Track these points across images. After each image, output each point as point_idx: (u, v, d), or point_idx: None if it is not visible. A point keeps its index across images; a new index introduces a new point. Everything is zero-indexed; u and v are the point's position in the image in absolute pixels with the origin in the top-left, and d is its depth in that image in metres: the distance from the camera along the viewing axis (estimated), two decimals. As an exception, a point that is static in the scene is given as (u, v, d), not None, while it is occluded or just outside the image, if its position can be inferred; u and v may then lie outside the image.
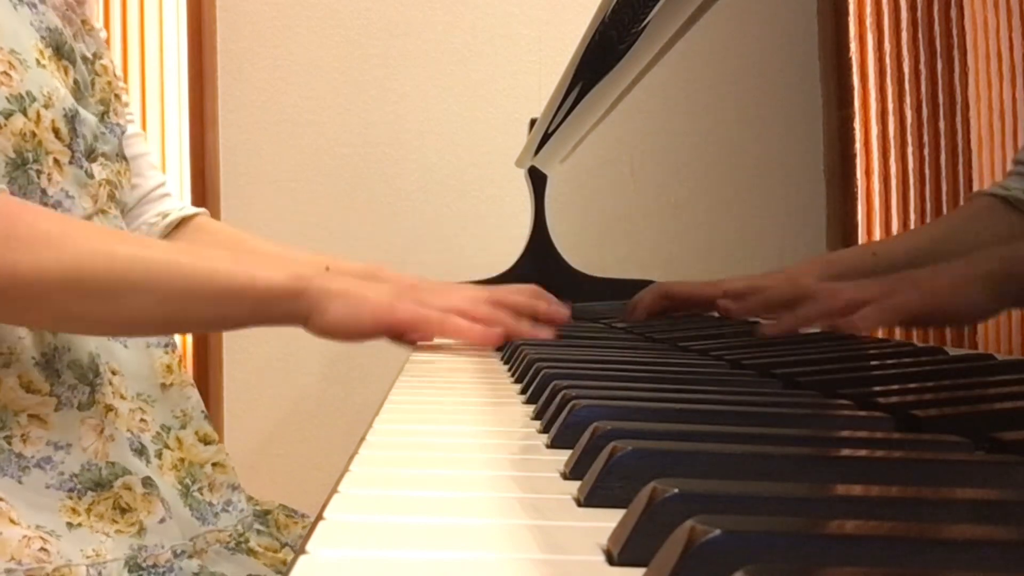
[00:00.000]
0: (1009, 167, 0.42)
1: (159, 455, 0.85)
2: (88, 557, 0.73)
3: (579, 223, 1.51)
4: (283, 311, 0.76)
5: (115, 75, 0.91)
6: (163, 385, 0.88)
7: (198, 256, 0.77)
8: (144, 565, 0.76)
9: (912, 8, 0.51)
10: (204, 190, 2.08)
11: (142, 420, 0.84)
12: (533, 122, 1.63)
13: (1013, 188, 0.41)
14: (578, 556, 0.27)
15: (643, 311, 0.89)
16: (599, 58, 1.10)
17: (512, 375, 0.69)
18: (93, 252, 0.69)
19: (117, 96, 0.91)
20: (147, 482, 0.79)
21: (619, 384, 0.54)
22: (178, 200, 1.03)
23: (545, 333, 0.83)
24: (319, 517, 0.30)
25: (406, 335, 0.80)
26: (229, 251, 0.85)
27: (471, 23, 2.15)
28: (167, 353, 0.89)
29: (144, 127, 1.92)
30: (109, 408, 0.79)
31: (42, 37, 0.79)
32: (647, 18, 0.91)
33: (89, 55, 0.87)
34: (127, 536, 0.76)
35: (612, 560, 0.27)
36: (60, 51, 0.81)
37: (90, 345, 0.79)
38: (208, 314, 0.76)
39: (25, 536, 0.70)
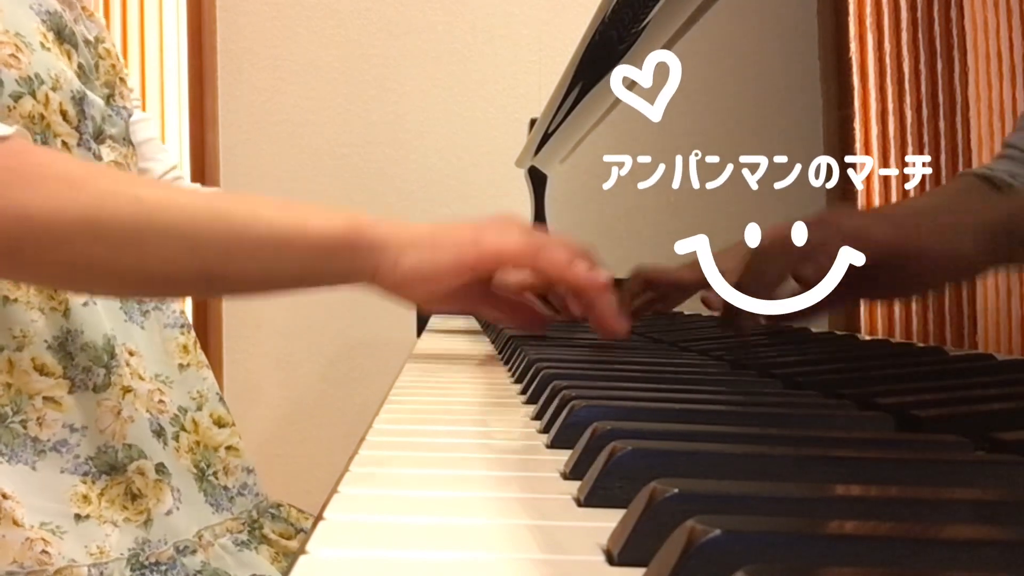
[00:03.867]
0: (998, 150, 0.42)
1: (176, 437, 0.85)
2: (92, 555, 0.73)
3: (579, 223, 1.51)
4: (343, 265, 0.63)
5: (118, 58, 0.91)
6: (180, 366, 0.89)
7: (239, 201, 0.65)
8: (147, 563, 0.76)
9: (912, 8, 0.51)
10: (204, 190, 2.08)
11: (160, 401, 0.85)
12: (533, 122, 1.63)
13: (998, 169, 0.42)
14: (578, 556, 0.27)
15: (627, 304, 0.76)
16: (599, 58, 1.10)
17: (512, 375, 0.69)
18: (116, 193, 0.59)
19: (122, 80, 0.91)
20: (160, 468, 0.80)
21: (619, 384, 0.54)
22: (189, 183, 1.04)
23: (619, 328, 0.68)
24: (319, 517, 0.30)
25: (496, 272, 0.67)
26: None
27: (471, 23, 2.15)
28: (183, 334, 0.90)
29: (144, 127, 1.92)
30: (127, 389, 0.79)
31: (43, 21, 0.79)
32: (647, 18, 0.91)
33: (91, 38, 0.88)
34: (133, 526, 0.76)
35: (612, 560, 0.27)
36: (61, 35, 0.81)
37: (105, 327, 0.80)
38: (249, 269, 0.62)
39: (28, 539, 0.71)
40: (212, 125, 2.10)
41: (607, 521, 0.29)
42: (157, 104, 1.97)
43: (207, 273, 0.62)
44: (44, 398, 0.75)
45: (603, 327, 0.69)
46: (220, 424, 0.90)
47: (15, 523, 0.71)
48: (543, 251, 0.66)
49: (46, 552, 0.71)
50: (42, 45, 0.77)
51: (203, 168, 2.08)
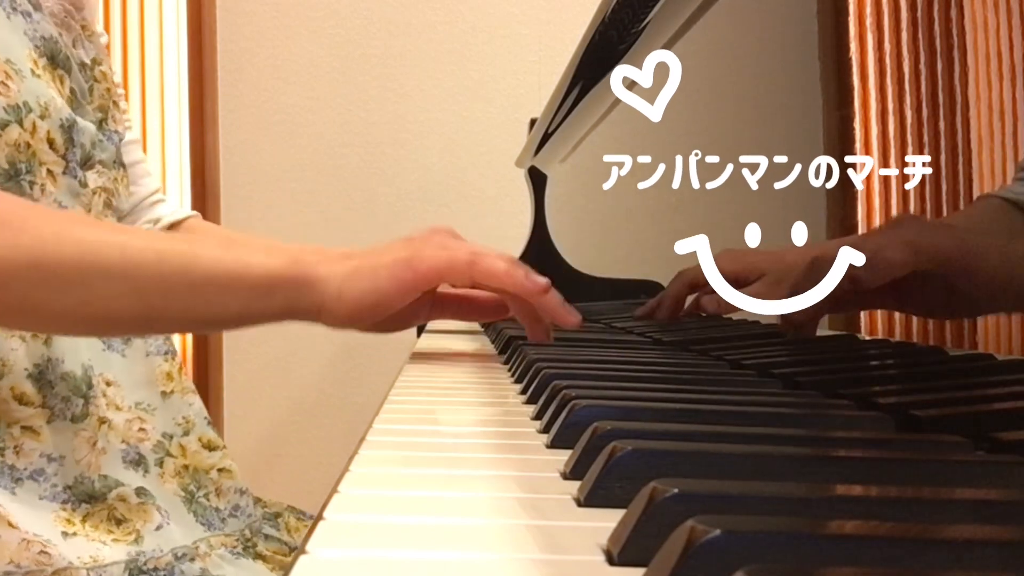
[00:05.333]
0: (1011, 166, 0.42)
1: (160, 463, 0.84)
2: (86, 564, 0.73)
3: (579, 223, 1.51)
4: (283, 302, 0.65)
5: (114, 81, 0.91)
6: (163, 393, 0.87)
7: (180, 241, 0.66)
8: (145, 569, 0.76)
9: (912, 8, 0.51)
10: (204, 190, 2.08)
11: (141, 429, 0.83)
12: (533, 122, 1.63)
13: (1021, 193, 0.42)
14: (578, 556, 0.27)
15: (669, 307, 0.79)
16: (599, 58, 1.10)
17: (512, 375, 0.69)
18: (58, 234, 0.60)
19: (115, 103, 0.90)
20: (141, 492, 0.79)
21: (619, 384, 0.54)
22: (172, 205, 1.04)
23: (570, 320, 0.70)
24: (319, 517, 0.30)
25: (437, 287, 0.70)
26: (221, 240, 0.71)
27: (471, 23, 2.15)
28: (167, 361, 0.89)
29: (144, 127, 1.92)
30: (103, 420, 0.78)
31: (36, 47, 0.78)
32: (647, 18, 0.91)
33: (87, 61, 0.87)
34: (125, 544, 0.76)
35: (612, 560, 0.27)
36: (55, 60, 0.80)
37: (83, 356, 0.79)
38: (193, 307, 0.64)
39: (24, 539, 0.70)
40: (212, 125, 2.10)
41: (607, 521, 0.29)
42: (157, 104, 1.97)
43: (149, 312, 0.63)
44: (22, 427, 0.74)
45: (557, 321, 0.71)
46: (211, 448, 0.89)
47: (10, 525, 0.70)
48: (479, 262, 0.68)
49: (45, 552, 0.70)
50: (32, 72, 0.76)
51: (203, 168, 2.08)
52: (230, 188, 2.12)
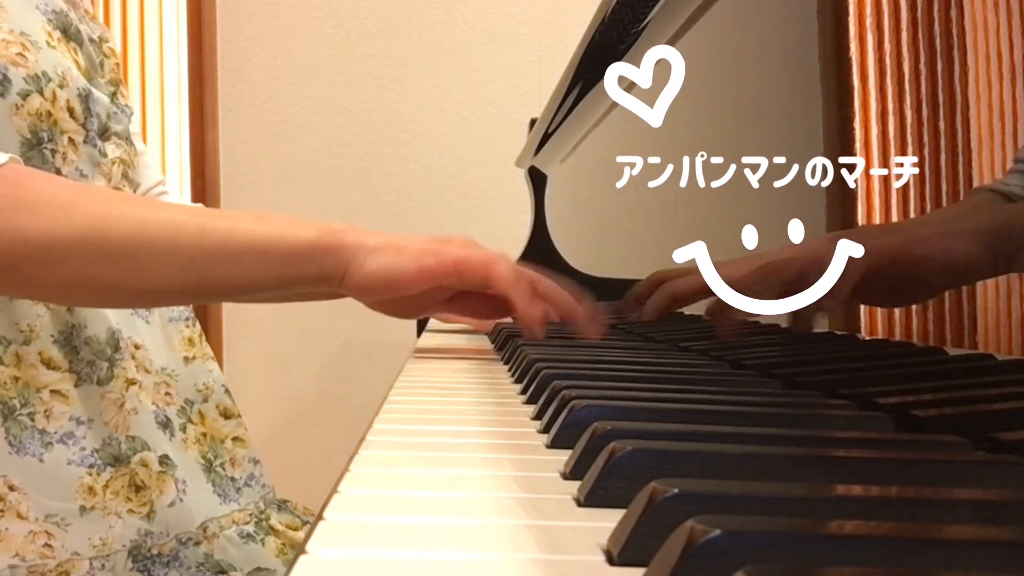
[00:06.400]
0: (1010, 165, 0.42)
1: (183, 429, 0.86)
2: (95, 547, 0.74)
3: (579, 223, 1.51)
4: (316, 269, 0.69)
5: (120, 60, 0.92)
6: (186, 359, 0.89)
7: (219, 215, 0.70)
8: (149, 554, 0.77)
9: (912, 8, 0.51)
10: (204, 190, 2.08)
11: (167, 393, 0.85)
12: (533, 122, 1.63)
13: (1013, 185, 0.42)
14: (578, 556, 0.27)
15: (651, 313, 0.81)
16: (599, 58, 1.10)
17: (512, 375, 0.69)
18: (106, 214, 0.64)
19: (122, 80, 0.92)
20: (163, 460, 0.80)
21: (619, 384, 0.54)
22: (175, 197, 1.04)
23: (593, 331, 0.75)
24: (319, 517, 0.30)
25: (451, 285, 0.73)
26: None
27: (471, 23, 2.15)
28: (188, 327, 0.91)
29: (144, 127, 1.92)
30: (131, 382, 0.80)
31: (48, 20, 0.80)
32: (647, 18, 0.91)
33: (95, 37, 0.88)
34: (137, 518, 0.77)
35: (612, 560, 0.27)
36: (67, 33, 0.82)
37: (110, 320, 0.80)
38: (233, 276, 0.68)
39: (31, 532, 0.71)
40: (212, 125, 2.10)
41: (607, 521, 0.29)
42: (157, 104, 1.97)
43: (194, 282, 0.67)
44: (51, 391, 0.76)
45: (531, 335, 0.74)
46: (226, 415, 0.91)
47: (19, 516, 0.71)
48: (495, 265, 0.72)
49: (48, 545, 0.72)
50: (48, 43, 0.77)
51: (203, 168, 2.08)
52: (230, 188, 2.12)
